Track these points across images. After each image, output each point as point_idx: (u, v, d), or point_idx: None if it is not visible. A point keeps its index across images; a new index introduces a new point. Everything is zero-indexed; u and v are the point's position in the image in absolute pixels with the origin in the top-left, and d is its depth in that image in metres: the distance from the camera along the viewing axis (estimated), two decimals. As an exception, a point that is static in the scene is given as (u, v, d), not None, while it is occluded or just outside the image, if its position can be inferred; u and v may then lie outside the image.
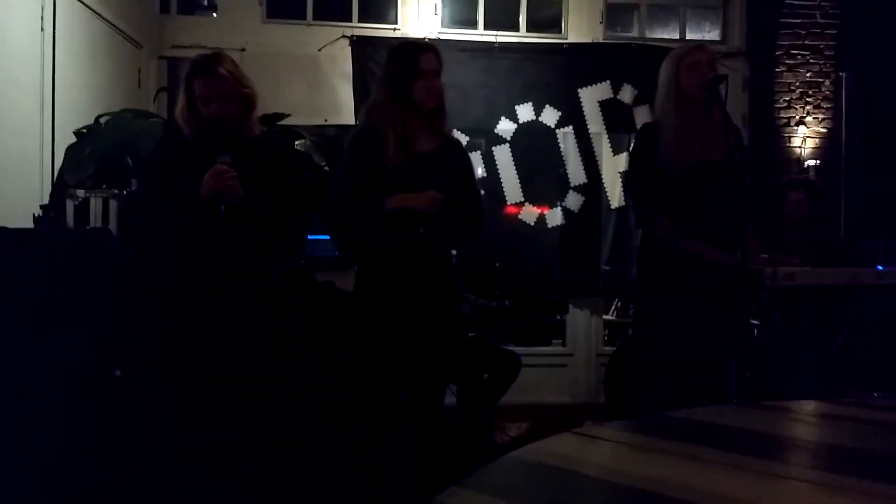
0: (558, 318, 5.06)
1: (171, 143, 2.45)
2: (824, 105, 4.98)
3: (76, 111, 3.43)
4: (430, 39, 4.70)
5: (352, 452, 2.53)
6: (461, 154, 2.50)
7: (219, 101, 2.28)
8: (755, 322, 2.84)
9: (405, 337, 2.30)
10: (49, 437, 2.47)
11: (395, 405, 2.40)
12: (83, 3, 3.55)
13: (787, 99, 4.96)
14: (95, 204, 2.99)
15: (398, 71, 2.33)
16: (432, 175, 2.31)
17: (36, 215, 2.90)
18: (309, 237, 4.78)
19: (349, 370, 2.44)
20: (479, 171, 4.78)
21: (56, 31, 3.27)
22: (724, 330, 2.48)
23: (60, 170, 3.17)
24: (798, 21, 4.88)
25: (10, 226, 2.61)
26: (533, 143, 4.80)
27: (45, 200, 3.06)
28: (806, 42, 4.91)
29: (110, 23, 3.88)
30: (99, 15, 3.74)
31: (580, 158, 4.83)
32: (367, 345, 2.37)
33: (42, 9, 3.18)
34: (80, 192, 3.00)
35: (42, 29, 3.19)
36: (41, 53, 3.19)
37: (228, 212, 2.23)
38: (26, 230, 2.70)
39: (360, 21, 4.85)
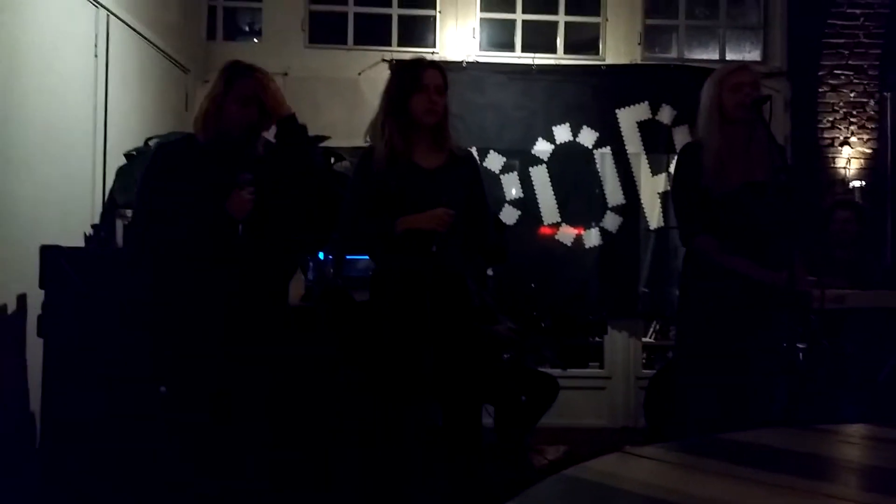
0: (596, 339, 5.01)
1: (184, 150, 2.33)
2: (869, 126, 4.88)
3: (126, 134, 3.55)
4: (467, 62, 4.77)
5: (380, 474, 2.50)
6: (471, 168, 2.45)
7: (255, 107, 2.24)
8: (802, 345, 2.78)
9: (419, 355, 2.28)
10: (94, 449, 2.53)
11: (426, 428, 2.38)
12: (134, 30, 3.68)
13: (831, 119, 4.88)
14: (144, 223, 3.07)
15: (398, 84, 2.32)
16: (438, 191, 2.28)
17: (87, 234, 3.00)
18: (347, 257, 4.85)
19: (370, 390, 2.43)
20: (515, 192, 4.79)
21: (109, 57, 3.40)
22: (770, 352, 2.43)
23: (111, 190, 3.28)
24: (841, 41, 4.82)
25: (63, 244, 2.70)
26: (570, 164, 4.80)
27: (97, 220, 3.16)
28: (849, 62, 4.84)
29: (160, 49, 4.01)
30: (149, 41, 3.87)
31: (618, 179, 4.81)
32: (378, 362, 2.34)
33: (96, 36, 3.31)
34: (129, 212, 3.10)
35: (96, 55, 3.32)
36: (94, 78, 3.31)
37: (245, 231, 2.22)
38: (78, 249, 2.80)
39: (399, 45, 4.94)
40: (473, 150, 4.68)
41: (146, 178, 2.29)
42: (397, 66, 2.41)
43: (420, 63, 2.37)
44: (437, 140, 2.35)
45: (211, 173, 2.22)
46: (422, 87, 2.28)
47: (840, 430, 1.49)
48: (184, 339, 2.21)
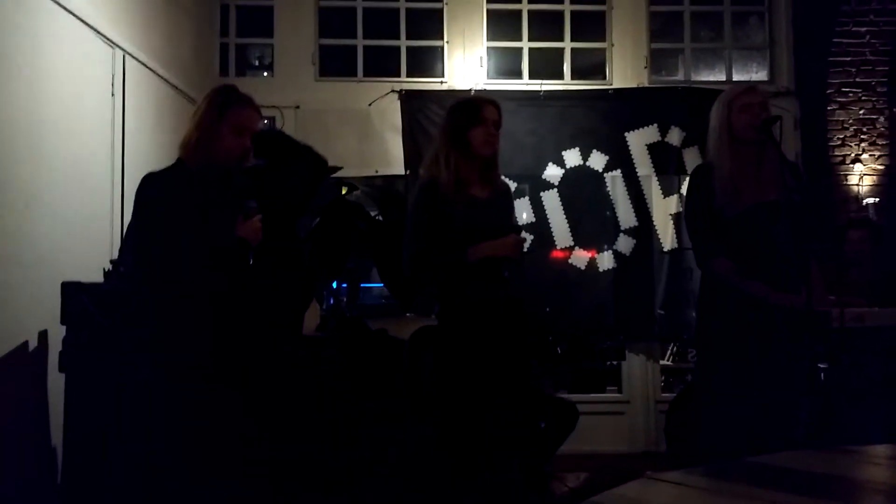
0: (613, 364, 4.97)
1: (174, 177, 2.25)
2: (880, 142, 4.88)
3: (143, 169, 3.54)
4: (476, 91, 4.82)
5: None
6: (510, 201, 2.61)
7: (248, 136, 2.23)
8: (823, 365, 2.75)
9: (491, 388, 2.32)
10: (116, 486, 2.53)
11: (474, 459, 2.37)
12: (150, 68, 3.76)
13: (841, 137, 4.88)
14: (162, 258, 3.10)
15: (459, 118, 2.45)
16: (491, 221, 2.39)
17: (106, 270, 3.03)
18: (361, 285, 4.86)
19: (408, 419, 2.44)
20: (527, 217, 4.80)
21: (125, 95, 3.47)
22: (791, 373, 2.41)
23: (129, 226, 3.32)
24: (848, 59, 4.84)
25: (82, 279, 2.74)
26: (581, 188, 4.81)
27: (115, 255, 3.20)
28: (857, 79, 4.85)
29: (174, 86, 4.09)
30: (164, 79, 3.95)
31: (630, 201, 4.82)
32: (454, 398, 2.37)
33: (113, 76, 3.39)
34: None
35: (112, 94, 3.39)
36: (112, 117, 3.38)
37: (255, 259, 2.22)
38: (98, 285, 2.83)
39: (408, 76, 5.00)
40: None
41: (140, 210, 2.24)
42: (457, 104, 2.54)
43: (479, 99, 2.54)
44: (488, 172, 2.48)
45: (206, 200, 2.19)
46: (481, 121, 2.42)
47: (866, 450, 1.47)
48: (197, 374, 2.17)
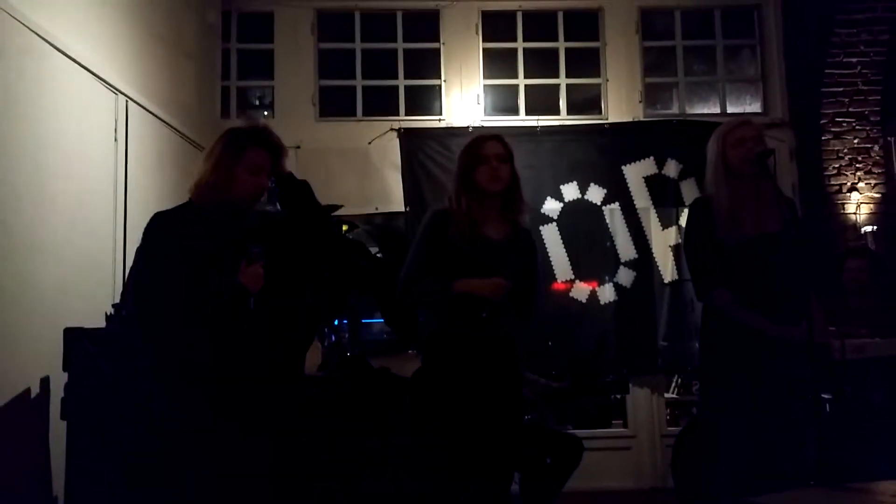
0: (618, 398, 4.94)
1: (183, 218, 2.24)
2: (875, 170, 4.92)
3: (146, 212, 3.59)
4: (473, 127, 4.88)
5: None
6: (530, 246, 2.59)
7: (265, 175, 2.22)
8: (827, 396, 2.73)
9: (467, 420, 2.31)
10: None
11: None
12: (152, 113, 3.82)
13: (837, 166, 4.92)
14: (163, 300, 3.11)
15: (464, 160, 2.49)
16: (500, 263, 2.39)
17: (108, 314, 3.04)
18: (362, 321, 4.85)
19: (412, 455, 2.43)
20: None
21: (128, 140, 3.52)
22: (795, 406, 2.39)
23: (131, 269, 3.33)
24: (840, 89, 4.90)
25: (84, 323, 2.74)
26: (580, 221, 4.84)
27: (117, 299, 3.21)
28: (850, 109, 4.91)
29: (176, 129, 4.14)
30: (166, 123, 4.01)
31: (629, 234, 4.84)
32: (427, 427, 2.37)
33: (115, 121, 3.44)
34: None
35: (115, 139, 3.43)
36: (115, 161, 3.42)
37: (257, 304, 2.19)
38: (100, 329, 2.83)
39: (406, 114, 5.07)
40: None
41: (146, 248, 2.21)
42: (464, 147, 2.56)
43: (481, 137, 2.55)
44: (506, 209, 2.49)
45: (214, 242, 2.18)
46: (484, 159, 2.44)
47: (871, 488, 1.46)
48: (195, 415, 2.15)
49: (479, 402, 2.33)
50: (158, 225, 2.23)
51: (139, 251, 2.29)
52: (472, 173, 2.44)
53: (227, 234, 2.22)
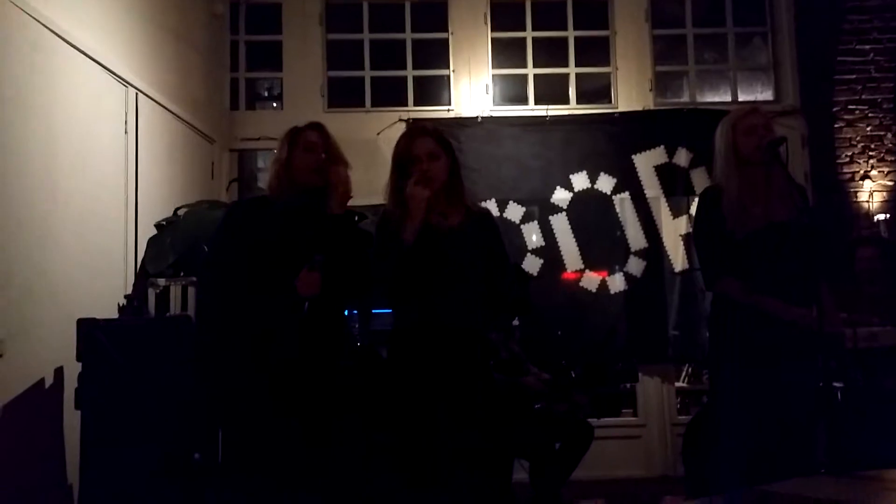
0: (627, 387, 4.94)
1: (256, 209, 2.46)
2: (888, 158, 4.87)
3: (156, 204, 3.66)
4: (482, 117, 4.87)
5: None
6: (488, 228, 2.46)
7: (321, 153, 2.42)
8: (838, 384, 2.73)
9: (429, 417, 2.29)
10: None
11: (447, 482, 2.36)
12: (162, 105, 3.83)
13: (849, 154, 4.88)
14: (175, 291, 3.15)
15: (396, 158, 2.41)
16: (450, 250, 2.33)
17: (120, 304, 3.07)
18: (372, 311, 4.87)
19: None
20: (535, 239, 4.82)
21: (138, 132, 3.53)
22: (805, 393, 2.39)
23: (143, 260, 3.36)
24: (853, 77, 4.85)
25: (97, 314, 2.77)
26: (590, 211, 4.83)
27: (129, 290, 3.23)
28: (863, 97, 4.86)
29: (186, 122, 4.16)
30: (176, 115, 4.02)
31: (639, 223, 4.83)
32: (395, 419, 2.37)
33: (126, 113, 3.46)
34: (161, 281, 3.17)
35: (126, 132, 3.45)
36: (125, 154, 3.44)
37: (311, 308, 2.29)
38: (112, 320, 2.86)
39: (415, 105, 5.06)
40: (493, 202, 4.75)
41: (218, 238, 2.45)
42: (398, 140, 2.46)
43: (411, 131, 2.51)
44: (451, 199, 2.39)
45: (283, 237, 2.33)
46: (414, 159, 2.34)
47: (883, 476, 1.46)
48: (235, 409, 2.31)
49: (443, 398, 2.29)
50: (232, 214, 2.47)
51: (211, 241, 2.53)
52: (406, 175, 2.32)
53: (296, 231, 2.33)
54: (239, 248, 2.35)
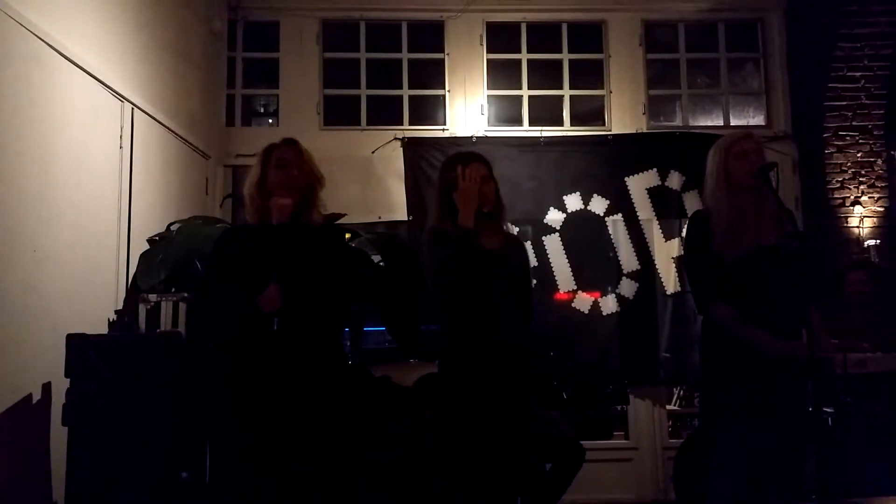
0: (619, 409, 4.93)
1: (240, 232, 2.58)
2: (878, 184, 4.92)
3: (150, 220, 3.65)
4: (477, 137, 4.90)
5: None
6: (522, 251, 2.71)
7: (293, 169, 2.44)
8: (828, 410, 2.73)
9: (485, 431, 2.35)
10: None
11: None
12: (158, 121, 3.84)
13: (840, 180, 4.92)
14: (166, 307, 3.13)
15: (445, 182, 2.59)
16: (498, 271, 2.48)
17: (110, 320, 3.05)
18: (364, 328, 4.86)
19: (411, 466, 2.44)
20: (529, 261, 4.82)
21: (133, 147, 3.53)
22: (796, 418, 2.39)
23: (134, 276, 3.35)
24: (843, 103, 4.91)
25: (87, 330, 2.75)
26: (583, 232, 4.85)
27: (120, 306, 3.21)
28: (853, 123, 4.91)
29: (181, 137, 4.16)
30: (171, 131, 4.03)
31: (631, 245, 4.85)
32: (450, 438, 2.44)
33: (121, 128, 3.46)
34: (152, 297, 3.16)
35: (121, 147, 3.45)
36: (119, 169, 3.43)
37: (281, 325, 2.31)
38: (102, 336, 2.84)
39: (410, 124, 5.09)
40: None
41: (209, 262, 2.50)
42: (441, 165, 2.69)
43: (460, 156, 2.64)
44: (495, 222, 2.63)
45: (256, 259, 2.35)
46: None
47: (872, 503, 1.46)
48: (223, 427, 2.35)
49: (496, 412, 2.37)
50: (218, 244, 2.51)
51: (202, 275, 2.66)
52: (450, 196, 2.55)
53: (269, 251, 2.35)
54: (228, 277, 2.39)
